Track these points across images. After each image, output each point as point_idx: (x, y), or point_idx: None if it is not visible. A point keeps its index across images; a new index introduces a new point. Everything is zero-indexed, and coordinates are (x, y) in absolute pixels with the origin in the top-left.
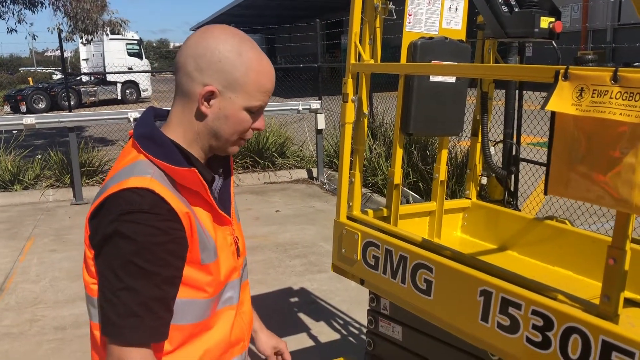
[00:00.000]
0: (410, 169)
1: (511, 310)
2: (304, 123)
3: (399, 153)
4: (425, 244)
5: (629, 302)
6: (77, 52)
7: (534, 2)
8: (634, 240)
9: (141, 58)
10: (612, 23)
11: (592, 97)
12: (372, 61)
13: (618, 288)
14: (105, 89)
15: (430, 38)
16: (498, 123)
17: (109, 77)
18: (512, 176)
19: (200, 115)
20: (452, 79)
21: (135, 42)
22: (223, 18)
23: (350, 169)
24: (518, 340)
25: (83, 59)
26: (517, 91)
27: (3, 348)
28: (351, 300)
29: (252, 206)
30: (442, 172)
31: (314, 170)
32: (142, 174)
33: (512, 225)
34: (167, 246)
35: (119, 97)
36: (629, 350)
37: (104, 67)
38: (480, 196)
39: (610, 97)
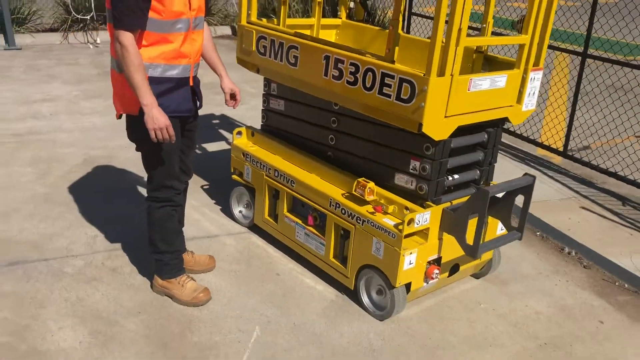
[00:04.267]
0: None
1: (339, 65)
2: None
3: None
4: (296, 34)
5: None
6: None
7: None
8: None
9: None
10: None
11: None
12: None
13: (394, 44)
14: None
15: None
16: None
17: None
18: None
19: None
20: None
21: None
22: None
23: None
24: (342, 84)
25: None
26: None
27: None
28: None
29: None
30: None
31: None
32: None
33: (368, 35)
34: None
35: None
36: (392, 75)
37: None
38: (348, 17)
39: None
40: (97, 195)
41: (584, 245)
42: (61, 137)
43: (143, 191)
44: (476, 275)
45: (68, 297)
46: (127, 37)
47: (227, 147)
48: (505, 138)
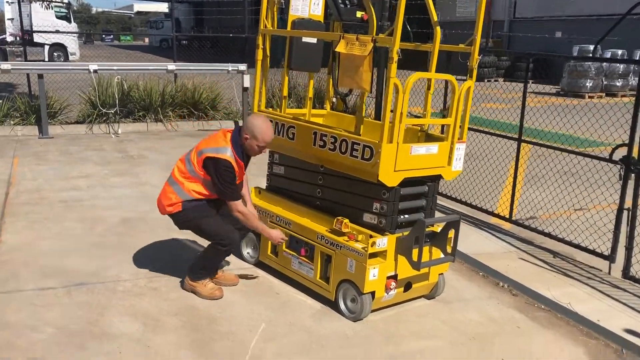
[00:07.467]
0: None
1: (323, 138)
2: (233, 82)
3: (286, 79)
4: (294, 118)
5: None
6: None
7: (355, 3)
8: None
9: (70, 21)
10: (508, 17)
11: (350, 45)
12: (271, 28)
13: (359, 123)
14: (32, 50)
15: (303, 19)
16: None
17: (36, 39)
18: (347, 98)
19: (244, 143)
20: (314, 40)
21: (63, 5)
22: None
23: (260, 84)
24: (326, 151)
25: (8, 19)
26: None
27: (27, 209)
28: None
29: (190, 144)
30: (310, 91)
31: (240, 122)
32: (228, 153)
33: (345, 119)
34: (232, 173)
35: (46, 59)
36: (358, 143)
37: (31, 27)
38: (332, 108)
39: (354, 45)
40: (135, 243)
41: (514, 280)
42: (99, 203)
43: (169, 240)
44: (427, 297)
45: (122, 304)
46: (239, 206)
47: None
48: (465, 209)
